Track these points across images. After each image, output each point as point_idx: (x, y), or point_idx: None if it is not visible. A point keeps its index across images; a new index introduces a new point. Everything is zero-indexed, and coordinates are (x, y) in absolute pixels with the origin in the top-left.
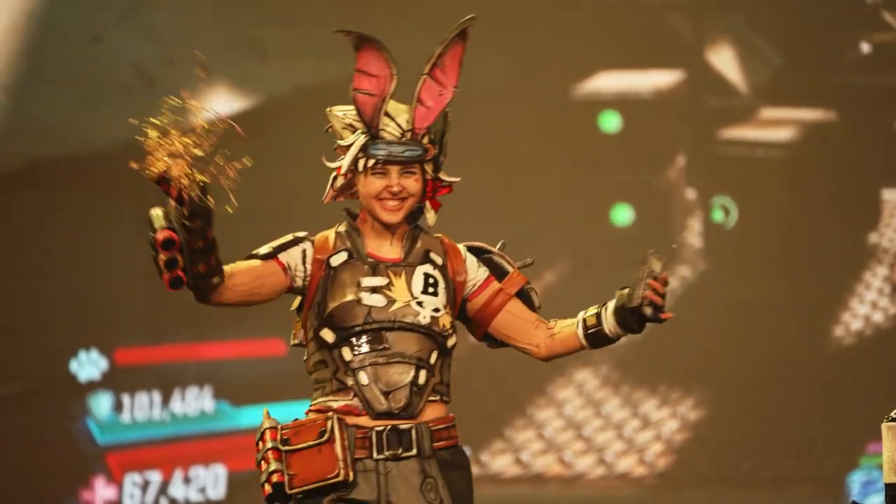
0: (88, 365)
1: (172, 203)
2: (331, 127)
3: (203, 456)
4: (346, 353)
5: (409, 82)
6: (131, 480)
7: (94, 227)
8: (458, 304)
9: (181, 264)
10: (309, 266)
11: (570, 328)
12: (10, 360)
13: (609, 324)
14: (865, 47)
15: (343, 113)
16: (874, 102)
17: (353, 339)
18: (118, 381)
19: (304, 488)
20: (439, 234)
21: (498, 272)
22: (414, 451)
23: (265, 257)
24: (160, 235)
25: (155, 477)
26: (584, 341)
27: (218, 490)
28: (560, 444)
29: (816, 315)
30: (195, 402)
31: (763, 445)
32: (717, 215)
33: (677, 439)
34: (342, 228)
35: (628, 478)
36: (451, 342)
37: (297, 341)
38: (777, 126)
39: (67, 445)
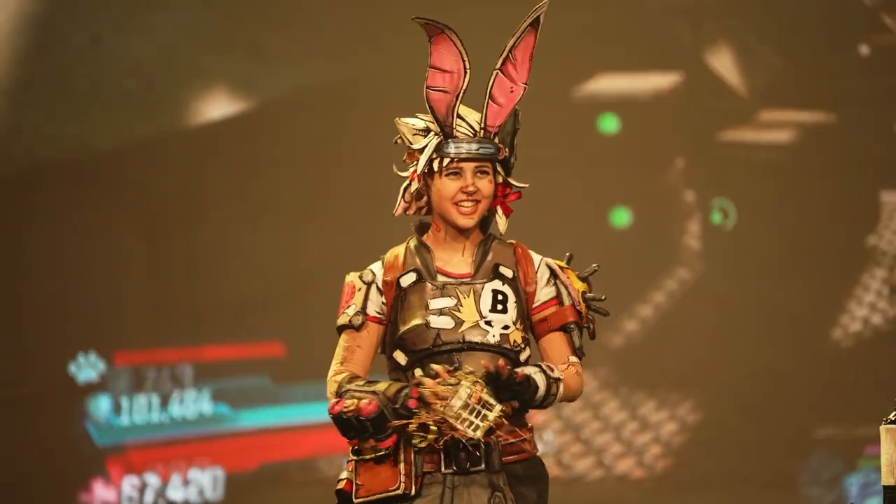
0: (87, 367)
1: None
2: (399, 137)
3: (201, 458)
4: (419, 375)
5: (412, 86)
6: (129, 483)
7: (93, 229)
8: (527, 312)
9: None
10: (383, 293)
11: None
12: (9, 363)
13: None
14: (864, 49)
15: (419, 119)
16: (873, 104)
17: (425, 361)
18: (117, 383)
19: (369, 499)
20: (513, 241)
21: (559, 299)
22: (482, 466)
23: (361, 326)
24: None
25: (153, 479)
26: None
27: (216, 492)
28: (559, 447)
29: (815, 317)
30: (194, 404)
31: (761, 447)
32: (716, 217)
33: (675, 441)
34: (413, 244)
35: (627, 480)
36: (524, 356)
37: None
38: (776, 128)
39: (66, 448)
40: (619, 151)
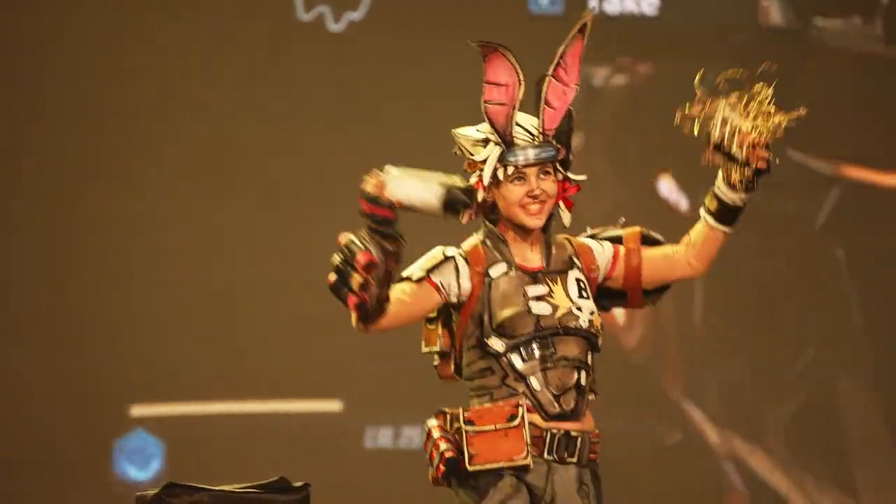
0: None
1: (373, 229)
2: (458, 149)
3: None
4: (516, 361)
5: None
6: None
7: None
8: (595, 296)
9: (370, 288)
10: (465, 281)
11: (700, 227)
12: None
13: (727, 195)
14: None
15: (475, 130)
16: None
17: (523, 347)
18: None
19: (487, 467)
20: (564, 236)
21: (613, 240)
22: (575, 459)
23: (419, 280)
24: (362, 258)
25: None
26: (719, 226)
27: None
28: None
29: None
30: None
31: (76, 427)
32: None
33: None
34: (484, 238)
35: None
36: (600, 341)
37: (435, 349)
38: None
39: None
40: None
